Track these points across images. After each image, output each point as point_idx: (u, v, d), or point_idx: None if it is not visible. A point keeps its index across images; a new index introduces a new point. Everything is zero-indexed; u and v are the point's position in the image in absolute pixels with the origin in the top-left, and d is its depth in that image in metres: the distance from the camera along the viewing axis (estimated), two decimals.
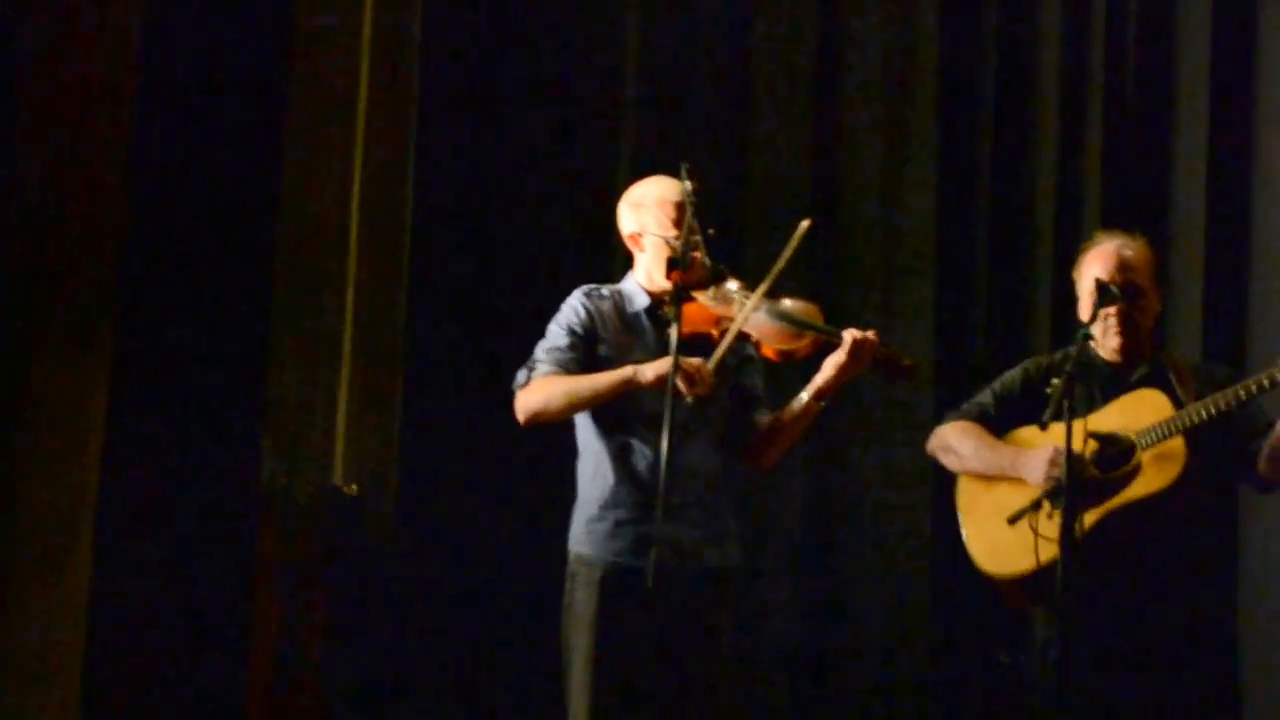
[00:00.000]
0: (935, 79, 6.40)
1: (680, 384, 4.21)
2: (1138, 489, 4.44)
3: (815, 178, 6.37)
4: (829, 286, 6.21)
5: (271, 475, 5.50)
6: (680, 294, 4.24)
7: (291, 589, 5.61)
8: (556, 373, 4.43)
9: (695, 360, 4.24)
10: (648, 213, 4.53)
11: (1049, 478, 4.48)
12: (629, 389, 4.35)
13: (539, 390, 4.42)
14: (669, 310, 4.26)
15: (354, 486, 5.83)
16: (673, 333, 4.21)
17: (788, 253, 4.33)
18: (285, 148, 5.39)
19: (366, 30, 5.91)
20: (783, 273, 4.33)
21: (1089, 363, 4.59)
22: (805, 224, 4.36)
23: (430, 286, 6.03)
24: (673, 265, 4.30)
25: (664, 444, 4.14)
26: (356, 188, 5.94)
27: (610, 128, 6.18)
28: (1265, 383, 4.33)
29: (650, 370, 4.30)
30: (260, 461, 5.36)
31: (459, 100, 6.11)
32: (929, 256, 6.33)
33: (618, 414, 4.44)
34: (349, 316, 5.91)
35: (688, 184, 4.34)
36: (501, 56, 6.15)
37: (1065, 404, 4.19)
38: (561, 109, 6.14)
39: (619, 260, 4.77)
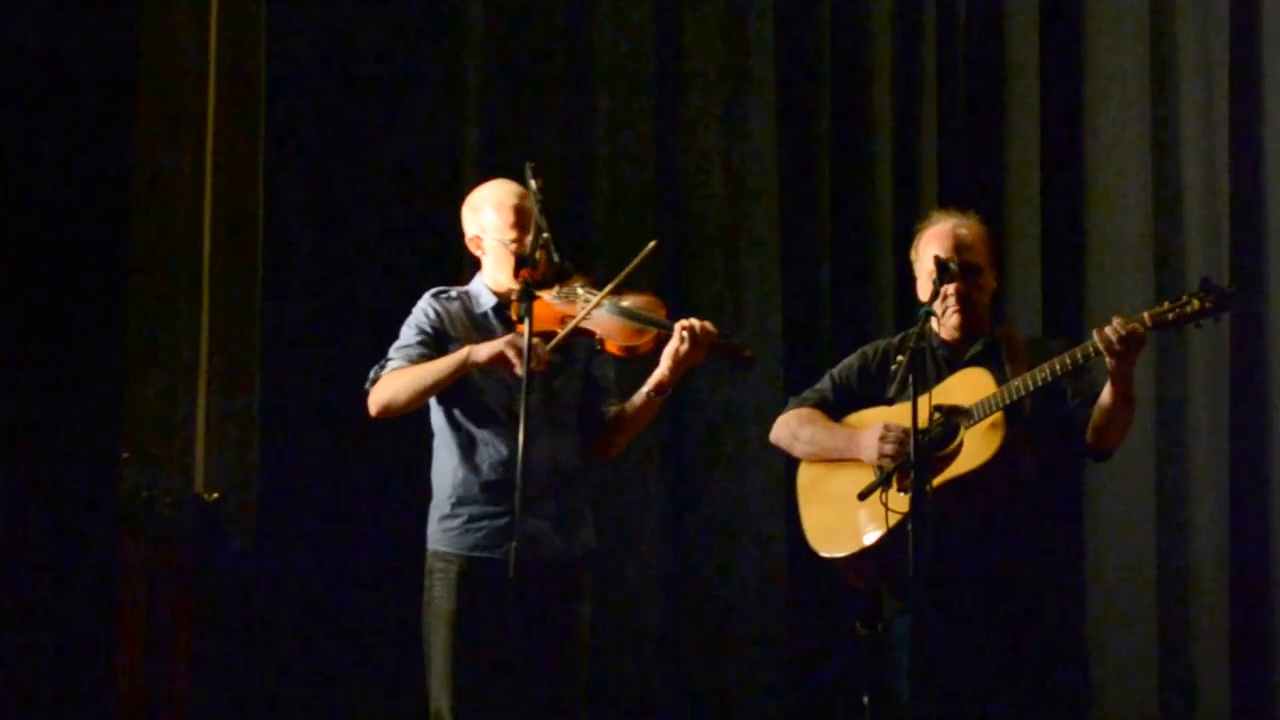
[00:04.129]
0: (773, 66, 6.47)
1: (512, 356, 4.31)
2: (961, 465, 4.50)
3: (658, 170, 6.43)
4: (674, 276, 6.32)
5: (133, 487, 5.48)
6: (528, 292, 4.30)
7: (156, 598, 5.58)
8: (405, 367, 4.52)
9: (535, 339, 4.30)
10: (486, 216, 4.62)
11: (881, 454, 4.55)
12: (467, 370, 4.43)
13: (387, 383, 4.52)
14: (519, 308, 4.32)
15: (215, 494, 5.84)
16: (525, 329, 4.27)
17: (632, 266, 4.42)
18: (135, 159, 5.35)
19: (213, 41, 5.91)
20: (628, 281, 4.43)
21: (927, 341, 4.57)
22: (652, 244, 4.45)
23: (285, 293, 6.04)
24: (521, 264, 4.39)
25: (520, 437, 4.20)
26: (208, 200, 5.93)
27: (456, 129, 6.21)
28: (1080, 356, 4.42)
29: (484, 350, 4.41)
30: (119, 475, 5.32)
31: (306, 99, 6.12)
32: (773, 242, 6.42)
33: (467, 409, 4.54)
34: (205, 326, 5.89)
35: (533, 183, 4.38)
36: (347, 58, 6.17)
37: (910, 380, 4.26)
38: (407, 110, 6.17)
39: (469, 260, 4.82)
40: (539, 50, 6.37)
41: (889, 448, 4.54)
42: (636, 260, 4.43)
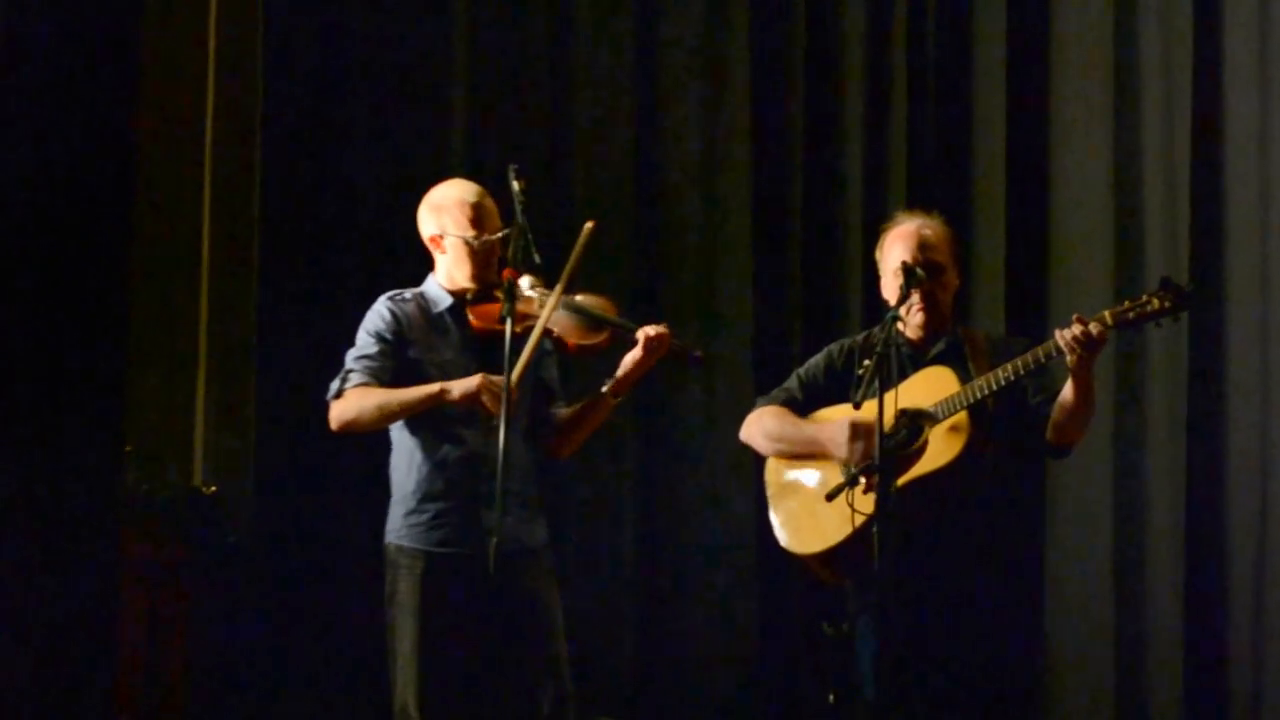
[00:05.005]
0: (747, 71, 6.55)
1: (487, 401, 4.35)
2: (926, 464, 4.54)
3: (633, 175, 6.52)
4: (647, 279, 6.41)
5: (134, 480, 5.57)
6: (512, 291, 4.39)
7: (155, 590, 5.69)
8: (369, 382, 4.53)
9: (499, 379, 4.34)
10: (447, 215, 4.64)
11: (851, 452, 4.59)
12: (436, 404, 4.46)
13: (352, 402, 4.53)
14: (503, 306, 4.38)
15: (213, 487, 5.94)
16: (508, 326, 4.36)
17: (577, 251, 4.49)
18: (137, 161, 5.42)
19: (211, 45, 6.00)
20: (578, 270, 4.50)
21: (894, 341, 4.59)
22: (589, 225, 4.53)
23: (282, 289, 6.13)
24: (504, 263, 4.46)
25: (501, 436, 4.26)
26: (207, 197, 6.00)
27: (443, 134, 6.32)
28: (1041, 356, 4.47)
29: (457, 389, 4.42)
30: (123, 467, 5.41)
31: (300, 107, 6.21)
32: (744, 244, 6.51)
33: (430, 408, 4.56)
34: (203, 321, 5.96)
35: (515, 185, 4.45)
36: (339, 63, 6.28)
37: (876, 381, 4.33)
38: (396, 118, 6.28)
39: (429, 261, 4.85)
40: (521, 58, 6.45)
41: (860, 446, 4.58)
42: (579, 247, 4.49)
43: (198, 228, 6.02)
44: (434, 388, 4.48)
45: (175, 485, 5.85)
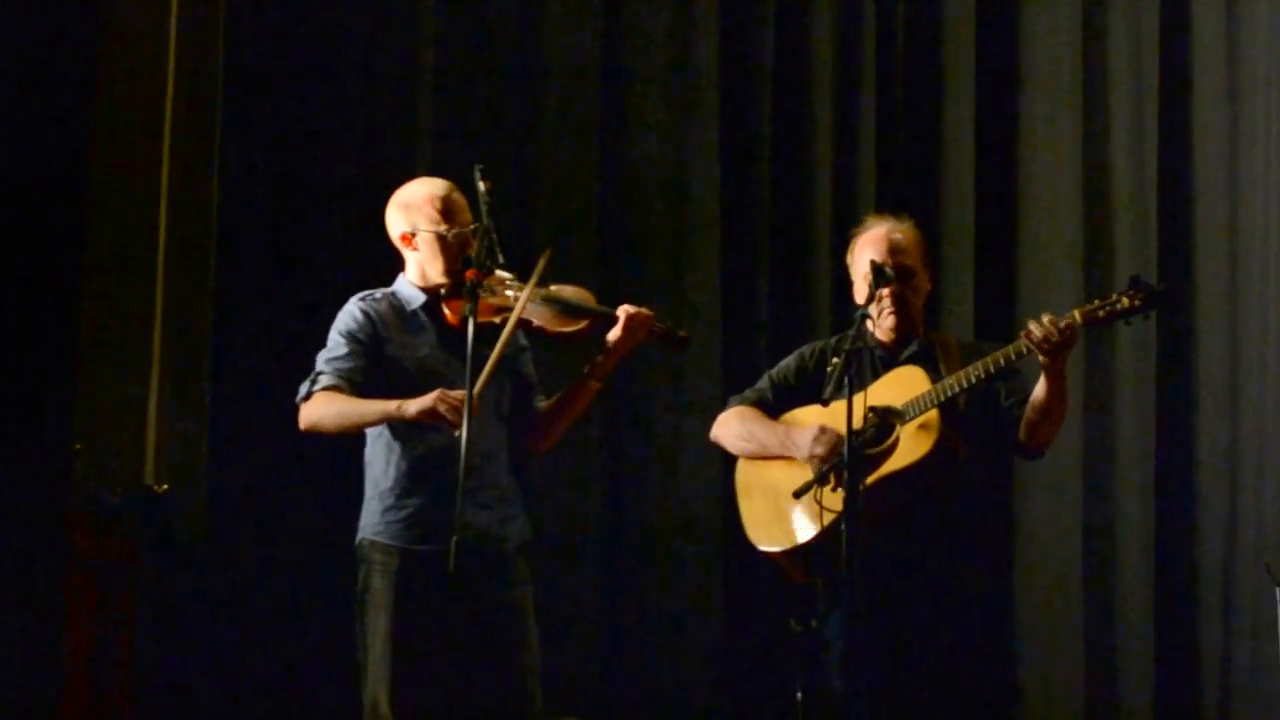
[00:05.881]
0: (715, 73, 6.52)
1: (445, 412, 4.31)
2: (895, 462, 4.57)
3: (600, 175, 6.47)
4: (616, 278, 6.32)
5: (83, 478, 5.52)
6: (474, 291, 4.34)
7: (105, 589, 5.59)
8: (337, 385, 4.50)
9: (456, 394, 4.31)
10: (417, 211, 4.60)
11: (813, 455, 4.62)
12: (391, 420, 4.46)
13: (316, 407, 4.51)
14: (464, 305, 4.35)
15: (164, 486, 5.87)
16: (469, 326, 4.29)
17: (537, 273, 4.46)
18: (93, 156, 5.37)
19: (172, 41, 5.94)
20: (549, 269, 4.48)
21: (864, 342, 4.62)
22: (547, 252, 4.52)
23: (237, 287, 6.05)
24: (468, 263, 4.41)
25: (464, 432, 4.21)
26: (163, 194, 5.94)
27: (408, 134, 6.25)
28: (1012, 355, 4.50)
29: (413, 407, 4.37)
30: (71, 465, 5.35)
31: (261, 103, 6.14)
32: (714, 244, 6.47)
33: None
34: (157, 320, 5.90)
35: (481, 185, 4.41)
36: (301, 66, 6.20)
37: (846, 381, 4.32)
38: (358, 114, 6.20)
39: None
40: (488, 62, 6.40)
41: (820, 449, 4.60)
42: (541, 264, 4.48)
43: (153, 223, 5.94)
44: (390, 406, 4.45)
45: (125, 484, 5.77)
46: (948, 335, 5.03)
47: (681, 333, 4.71)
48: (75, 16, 5.02)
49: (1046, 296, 6.40)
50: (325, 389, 4.51)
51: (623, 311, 4.56)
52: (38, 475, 5.12)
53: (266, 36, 6.14)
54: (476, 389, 4.29)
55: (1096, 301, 4.48)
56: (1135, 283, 4.45)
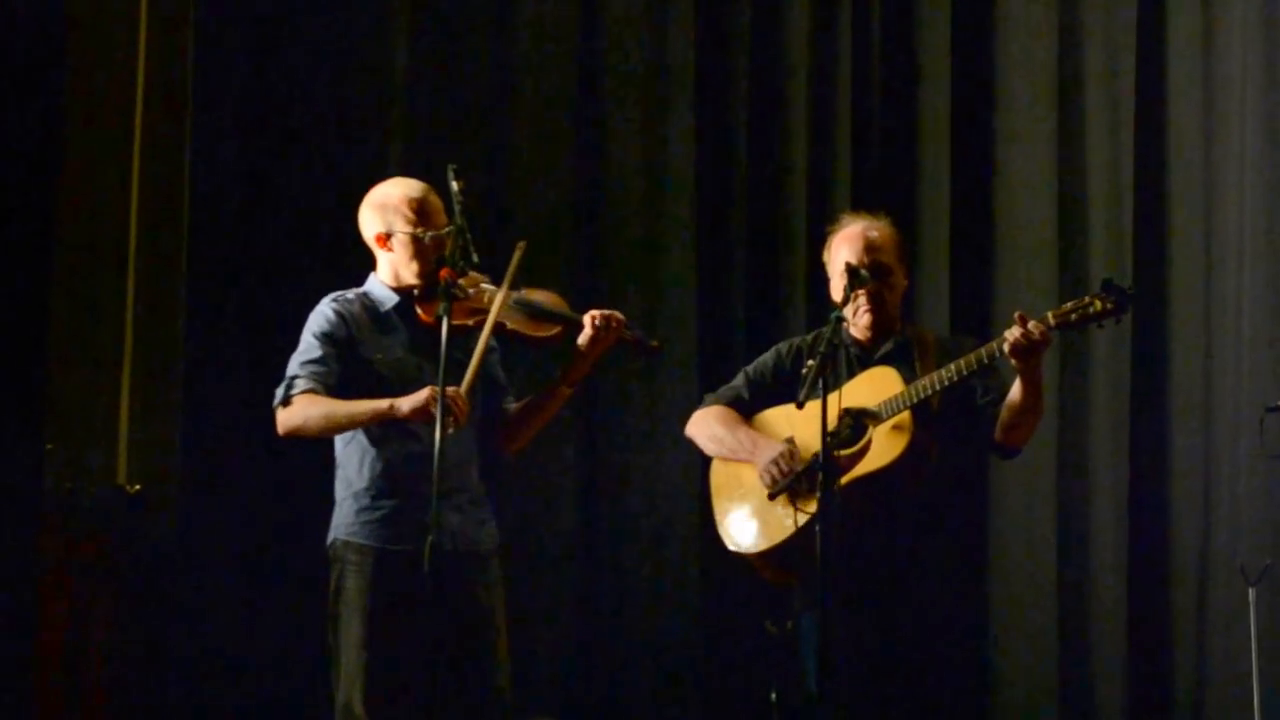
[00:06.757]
0: (691, 72, 6.54)
1: (436, 412, 4.26)
2: (869, 463, 4.57)
3: (576, 175, 6.49)
4: (592, 277, 6.38)
5: (56, 479, 5.50)
6: (449, 291, 4.33)
7: (78, 589, 5.61)
8: (315, 389, 4.47)
9: (451, 389, 4.29)
10: (393, 212, 4.59)
11: (768, 473, 4.64)
12: (384, 419, 4.43)
13: (299, 410, 4.47)
14: (440, 305, 4.32)
15: (137, 486, 5.86)
16: (444, 327, 4.27)
17: (513, 269, 4.47)
18: (64, 155, 5.36)
19: (142, 40, 5.93)
20: (521, 271, 4.48)
21: (839, 341, 4.69)
22: (521, 244, 4.50)
23: (209, 286, 6.07)
24: (441, 263, 4.39)
25: (438, 434, 4.20)
26: (134, 193, 5.94)
27: (381, 134, 6.28)
28: (985, 356, 4.50)
29: (406, 405, 4.36)
30: (43, 465, 5.34)
31: (232, 102, 6.16)
32: (689, 243, 6.49)
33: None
34: (129, 319, 5.89)
35: (454, 185, 4.39)
36: (272, 64, 6.22)
37: (821, 383, 4.30)
38: (331, 114, 6.23)
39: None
40: (463, 63, 6.42)
41: (775, 470, 4.62)
42: (514, 265, 4.48)
43: (125, 222, 5.94)
44: (383, 405, 4.43)
45: (98, 484, 5.76)
46: (925, 331, 5.03)
47: (653, 342, 4.69)
48: (44, 13, 5.01)
49: (1021, 293, 6.41)
50: (304, 393, 4.48)
51: (588, 317, 4.53)
52: (9, 475, 5.10)
53: (237, 35, 6.15)
54: (464, 388, 4.31)
55: (1069, 304, 4.48)
56: (1107, 286, 4.45)
